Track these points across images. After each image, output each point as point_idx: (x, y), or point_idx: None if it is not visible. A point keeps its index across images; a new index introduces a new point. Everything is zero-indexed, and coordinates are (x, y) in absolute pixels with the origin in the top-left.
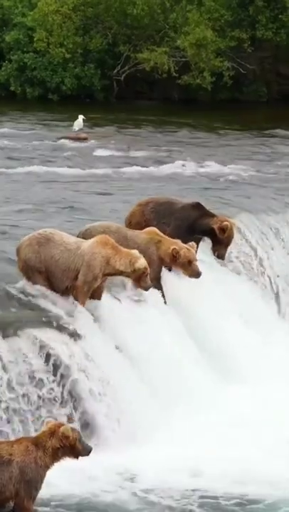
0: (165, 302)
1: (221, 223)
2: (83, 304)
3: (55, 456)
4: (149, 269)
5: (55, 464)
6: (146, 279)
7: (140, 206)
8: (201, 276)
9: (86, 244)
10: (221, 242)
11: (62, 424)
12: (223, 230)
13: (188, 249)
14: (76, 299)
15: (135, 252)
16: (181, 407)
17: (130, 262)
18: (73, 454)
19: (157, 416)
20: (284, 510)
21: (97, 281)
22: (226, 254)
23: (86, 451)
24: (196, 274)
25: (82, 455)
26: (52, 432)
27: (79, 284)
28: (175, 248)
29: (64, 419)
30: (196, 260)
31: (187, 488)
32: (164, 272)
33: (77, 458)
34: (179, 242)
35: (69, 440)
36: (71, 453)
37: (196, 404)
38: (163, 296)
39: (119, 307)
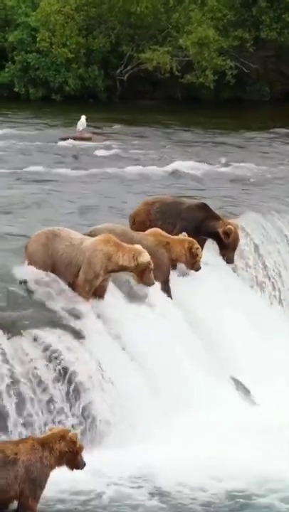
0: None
1: (224, 227)
2: (86, 302)
3: (61, 459)
4: (152, 264)
5: (56, 467)
6: (150, 275)
7: (146, 205)
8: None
9: (89, 241)
10: (227, 246)
11: (68, 430)
12: (227, 234)
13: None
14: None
15: (138, 246)
16: (181, 406)
17: (133, 257)
18: (73, 463)
19: (157, 416)
20: (284, 510)
21: (98, 279)
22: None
23: (82, 465)
24: (199, 268)
25: (78, 468)
26: (62, 436)
27: (80, 283)
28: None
29: (66, 419)
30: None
31: (186, 487)
32: None
33: (72, 469)
34: (183, 238)
35: (76, 447)
36: (72, 461)
37: (196, 404)
38: (170, 297)
39: (122, 307)
